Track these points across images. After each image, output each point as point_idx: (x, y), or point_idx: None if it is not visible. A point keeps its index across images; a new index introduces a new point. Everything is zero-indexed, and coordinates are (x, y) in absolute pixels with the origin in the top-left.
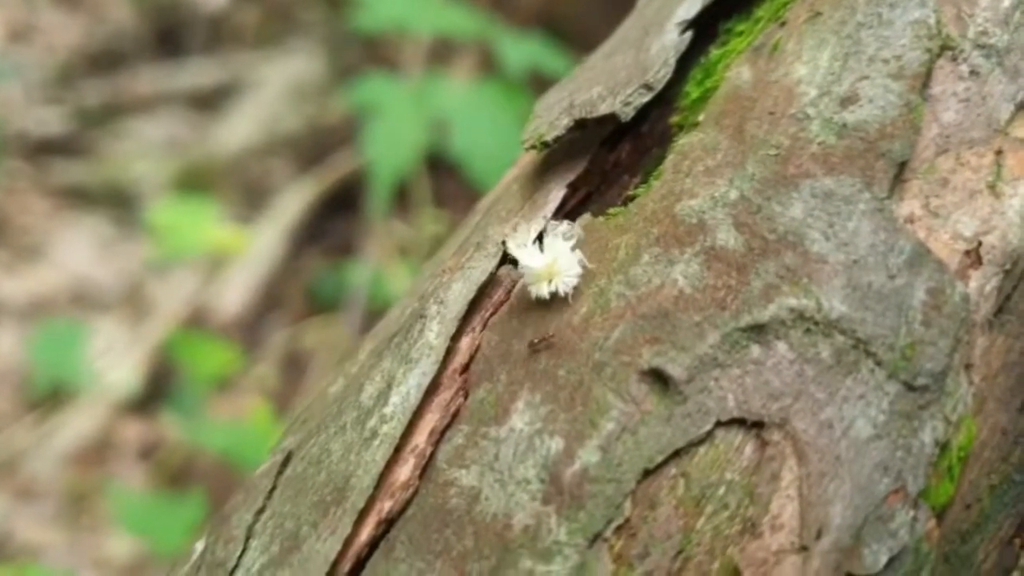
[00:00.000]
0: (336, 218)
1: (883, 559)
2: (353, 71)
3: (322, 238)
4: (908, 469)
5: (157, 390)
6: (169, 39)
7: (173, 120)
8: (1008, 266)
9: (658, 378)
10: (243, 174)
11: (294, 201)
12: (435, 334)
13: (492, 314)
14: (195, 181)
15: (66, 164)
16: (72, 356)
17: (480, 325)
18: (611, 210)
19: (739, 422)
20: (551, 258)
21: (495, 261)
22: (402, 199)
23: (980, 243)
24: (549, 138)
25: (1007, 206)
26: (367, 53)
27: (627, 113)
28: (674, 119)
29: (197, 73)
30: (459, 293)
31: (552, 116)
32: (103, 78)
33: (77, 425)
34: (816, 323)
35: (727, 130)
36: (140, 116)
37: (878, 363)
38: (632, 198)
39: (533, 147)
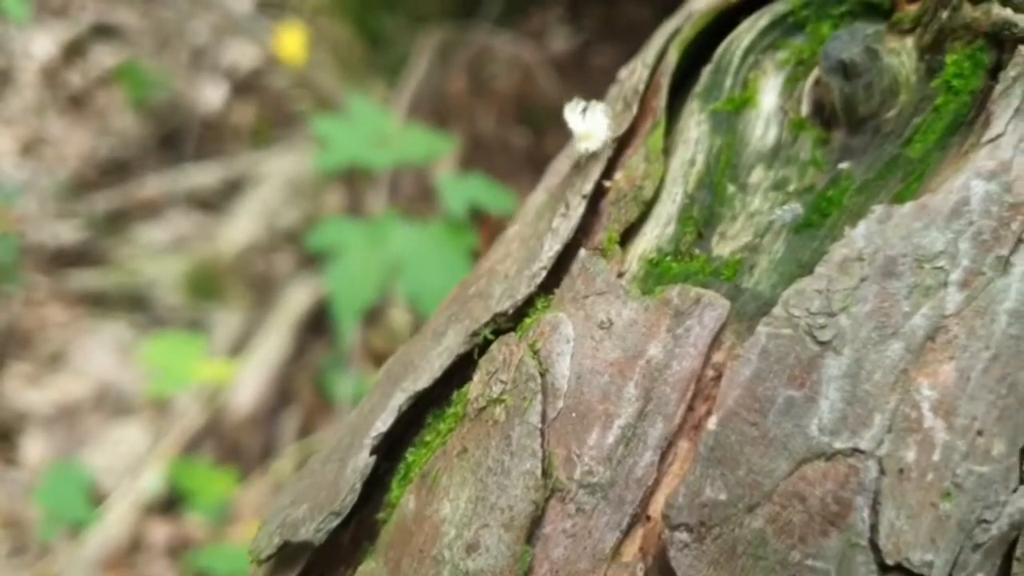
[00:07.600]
0: None
1: None
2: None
3: (327, 329)
4: None
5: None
6: (171, 143)
7: (180, 221)
8: None
9: None
10: (248, 269)
11: (297, 296)
12: None
13: None
14: (204, 279)
15: (82, 273)
16: (75, 497)
17: None
18: None
19: None
20: (591, 125)
21: None
22: None
23: None
24: (263, 556)
25: None
26: None
27: (320, 539)
28: (380, 515)
29: (199, 175)
30: None
31: (271, 529)
32: (111, 186)
33: (107, 531)
34: None
35: (390, 563)
36: (149, 220)
37: None
38: None
39: (252, 563)
